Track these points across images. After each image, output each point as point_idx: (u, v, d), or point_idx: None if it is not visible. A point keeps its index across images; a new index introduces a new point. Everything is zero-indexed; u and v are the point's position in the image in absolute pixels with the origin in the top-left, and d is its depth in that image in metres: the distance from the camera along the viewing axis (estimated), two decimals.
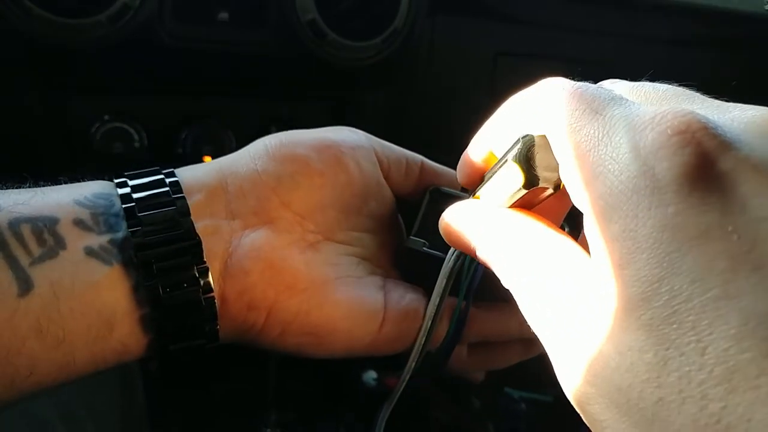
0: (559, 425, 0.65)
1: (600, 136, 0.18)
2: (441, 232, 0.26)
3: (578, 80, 0.21)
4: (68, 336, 0.26)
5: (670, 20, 0.68)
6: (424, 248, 0.33)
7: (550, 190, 0.22)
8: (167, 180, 0.30)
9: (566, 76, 0.22)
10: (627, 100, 0.19)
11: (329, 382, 0.66)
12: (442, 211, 0.34)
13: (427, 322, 0.32)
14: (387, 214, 0.35)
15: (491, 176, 0.24)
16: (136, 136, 0.57)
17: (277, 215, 0.31)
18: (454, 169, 0.28)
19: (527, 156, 0.21)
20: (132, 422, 0.47)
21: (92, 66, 0.54)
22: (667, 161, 0.17)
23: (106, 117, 0.56)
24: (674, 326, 0.16)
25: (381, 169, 0.34)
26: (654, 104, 0.20)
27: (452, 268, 0.31)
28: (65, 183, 0.30)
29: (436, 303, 0.32)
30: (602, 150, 0.18)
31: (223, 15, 0.53)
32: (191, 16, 0.52)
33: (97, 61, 0.53)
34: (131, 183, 0.29)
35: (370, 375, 0.60)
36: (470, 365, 0.36)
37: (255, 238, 0.30)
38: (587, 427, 0.19)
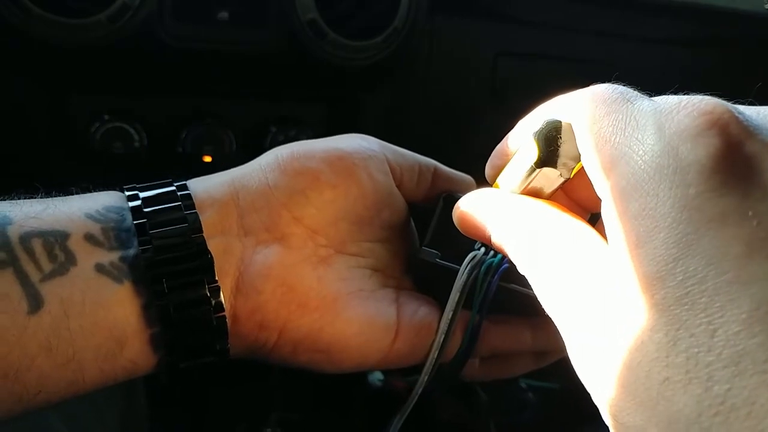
0: (566, 413, 0.65)
1: (627, 120, 0.19)
2: (455, 221, 0.26)
3: None
4: (78, 354, 0.25)
5: (670, 20, 0.68)
6: (437, 260, 0.32)
7: (561, 178, 0.22)
8: (179, 193, 0.29)
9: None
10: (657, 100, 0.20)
11: (334, 381, 0.65)
12: None
13: (440, 337, 0.32)
14: (400, 222, 0.35)
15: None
16: (136, 136, 0.56)
17: (288, 231, 0.31)
18: (465, 171, 0.27)
19: (547, 136, 0.21)
20: (133, 421, 0.47)
21: (92, 66, 0.54)
22: (691, 142, 0.17)
23: (106, 117, 0.56)
24: (686, 307, 0.16)
25: (393, 178, 0.34)
26: None
27: (465, 282, 0.31)
28: (76, 193, 0.29)
29: (449, 318, 0.31)
30: (628, 133, 0.18)
31: (223, 15, 0.53)
32: (191, 15, 0.52)
33: (97, 60, 0.53)
34: (142, 195, 0.29)
35: (376, 376, 0.60)
36: (481, 376, 0.36)
37: (267, 256, 0.30)
38: (594, 416, 0.19)
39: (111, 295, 0.26)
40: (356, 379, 0.60)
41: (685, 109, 0.17)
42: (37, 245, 0.26)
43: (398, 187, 0.34)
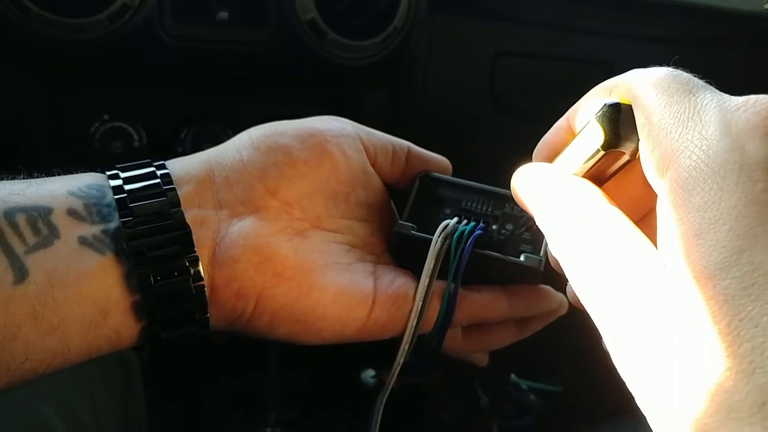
0: (569, 416, 0.65)
1: (690, 114, 0.19)
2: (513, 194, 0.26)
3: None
4: (63, 323, 0.26)
5: (670, 20, 0.68)
6: (413, 231, 0.33)
7: (627, 158, 0.22)
8: (158, 172, 0.30)
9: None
10: (717, 90, 0.20)
11: (330, 380, 0.65)
12: (433, 196, 0.35)
13: (418, 304, 0.32)
14: (377, 201, 0.36)
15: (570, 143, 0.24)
16: (135, 136, 0.57)
17: (263, 204, 0.32)
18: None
19: (610, 118, 0.21)
20: (132, 421, 0.47)
21: (92, 65, 0.54)
22: (760, 140, 0.17)
23: (106, 117, 0.56)
24: (751, 297, 0.16)
25: (367, 156, 0.35)
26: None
27: (440, 250, 0.32)
28: (59, 175, 0.30)
29: (426, 284, 0.32)
30: (691, 126, 0.19)
31: (223, 15, 0.53)
32: (191, 15, 0.52)
33: (97, 60, 0.53)
34: (123, 175, 0.30)
35: (368, 373, 0.60)
36: (466, 348, 0.36)
37: (242, 227, 0.31)
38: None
39: (94, 266, 0.27)
40: (351, 375, 0.60)
41: (754, 108, 0.18)
42: (20, 220, 0.26)
43: (373, 166, 0.35)
